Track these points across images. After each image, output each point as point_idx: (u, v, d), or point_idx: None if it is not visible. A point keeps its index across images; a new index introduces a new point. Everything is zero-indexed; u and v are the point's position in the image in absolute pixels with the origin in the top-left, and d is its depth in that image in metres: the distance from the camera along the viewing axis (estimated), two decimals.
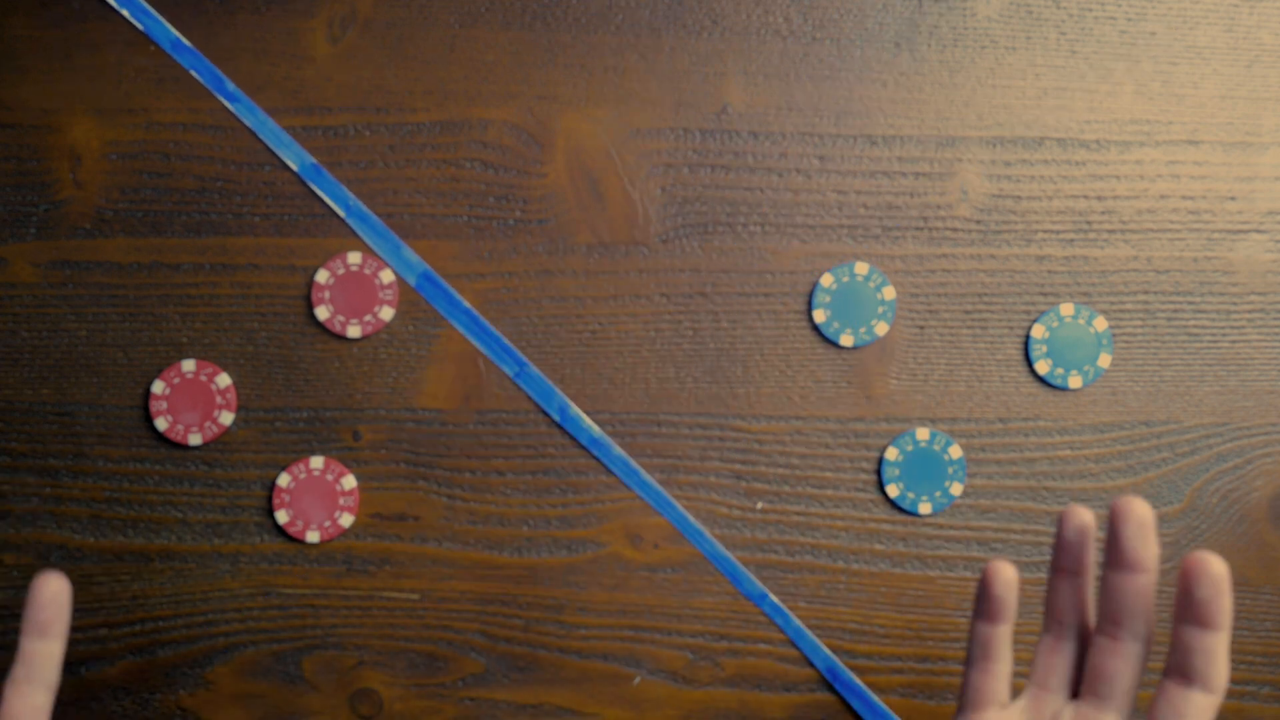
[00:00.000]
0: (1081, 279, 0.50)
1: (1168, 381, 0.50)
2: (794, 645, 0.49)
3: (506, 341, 0.49)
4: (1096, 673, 0.35)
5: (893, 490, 0.49)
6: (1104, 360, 0.49)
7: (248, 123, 0.49)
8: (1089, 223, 0.50)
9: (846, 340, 0.49)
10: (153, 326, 0.49)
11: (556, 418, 0.49)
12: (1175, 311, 0.50)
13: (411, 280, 0.49)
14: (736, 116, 0.50)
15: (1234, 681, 0.49)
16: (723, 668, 0.49)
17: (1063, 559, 0.36)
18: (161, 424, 0.49)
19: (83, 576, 0.49)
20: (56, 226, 0.49)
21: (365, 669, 0.49)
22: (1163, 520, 0.49)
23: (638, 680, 0.49)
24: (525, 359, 0.49)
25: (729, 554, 0.49)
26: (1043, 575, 0.49)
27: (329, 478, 0.49)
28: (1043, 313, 0.49)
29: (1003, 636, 0.37)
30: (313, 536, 0.49)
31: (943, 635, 0.49)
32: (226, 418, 0.49)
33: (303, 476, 0.49)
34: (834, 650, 0.49)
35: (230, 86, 0.49)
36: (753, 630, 0.49)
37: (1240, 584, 0.49)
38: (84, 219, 0.49)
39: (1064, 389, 0.49)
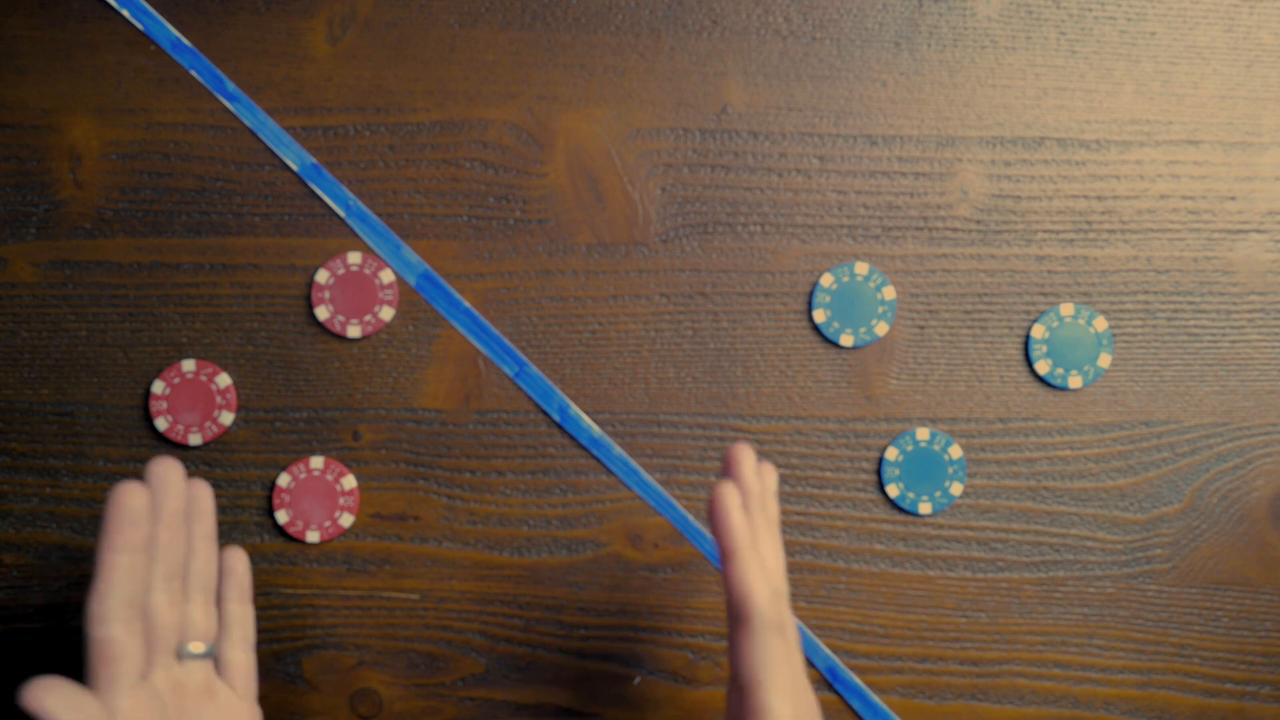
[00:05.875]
0: (1081, 279, 0.50)
1: (1168, 381, 0.50)
2: None
3: (506, 341, 0.49)
4: None
5: (893, 490, 0.49)
6: (1104, 360, 0.49)
7: (248, 123, 0.49)
8: (1089, 223, 0.50)
9: (846, 340, 0.49)
10: (153, 326, 0.49)
11: (556, 418, 0.49)
12: (1175, 311, 0.50)
13: (411, 280, 0.49)
14: (736, 116, 0.50)
15: (1234, 681, 0.49)
16: (722, 668, 0.49)
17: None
18: (161, 424, 0.49)
19: (83, 577, 0.49)
20: (56, 226, 0.49)
21: (365, 669, 0.49)
22: (1162, 520, 0.49)
23: (638, 680, 0.49)
24: (525, 359, 0.49)
25: None
26: (1043, 575, 0.49)
27: (329, 478, 0.49)
28: (1043, 313, 0.49)
29: None
30: (313, 536, 0.49)
31: (943, 635, 0.49)
32: (226, 418, 0.49)
33: (303, 476, 0.49)
34: (834, 650, 0.49)
35: (230, 86, 0.49)
36: None
37: (1240, 584, 0.49)
38: (84, 219, 0.49)
39: (1064, 389, 0.49)
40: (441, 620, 0.49)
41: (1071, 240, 0.50)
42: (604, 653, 0.49)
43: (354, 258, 0.49)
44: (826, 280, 0.49)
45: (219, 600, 0.43)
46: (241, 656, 0.43)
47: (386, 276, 0.49)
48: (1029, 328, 0.49)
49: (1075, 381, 0.49)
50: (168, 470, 0.40)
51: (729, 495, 0.38)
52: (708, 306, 0.49)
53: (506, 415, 0.49)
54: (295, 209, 0.49)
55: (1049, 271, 0.50)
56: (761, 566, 0.38)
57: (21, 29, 0.49)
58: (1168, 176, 0.50)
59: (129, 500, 0.38)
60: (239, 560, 0.44)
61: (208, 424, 0.49)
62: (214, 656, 0.42)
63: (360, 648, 0.49)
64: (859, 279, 0.49)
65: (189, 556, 0.42)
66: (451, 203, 0.49)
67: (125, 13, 0.49)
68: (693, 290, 0.49)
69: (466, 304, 0.49)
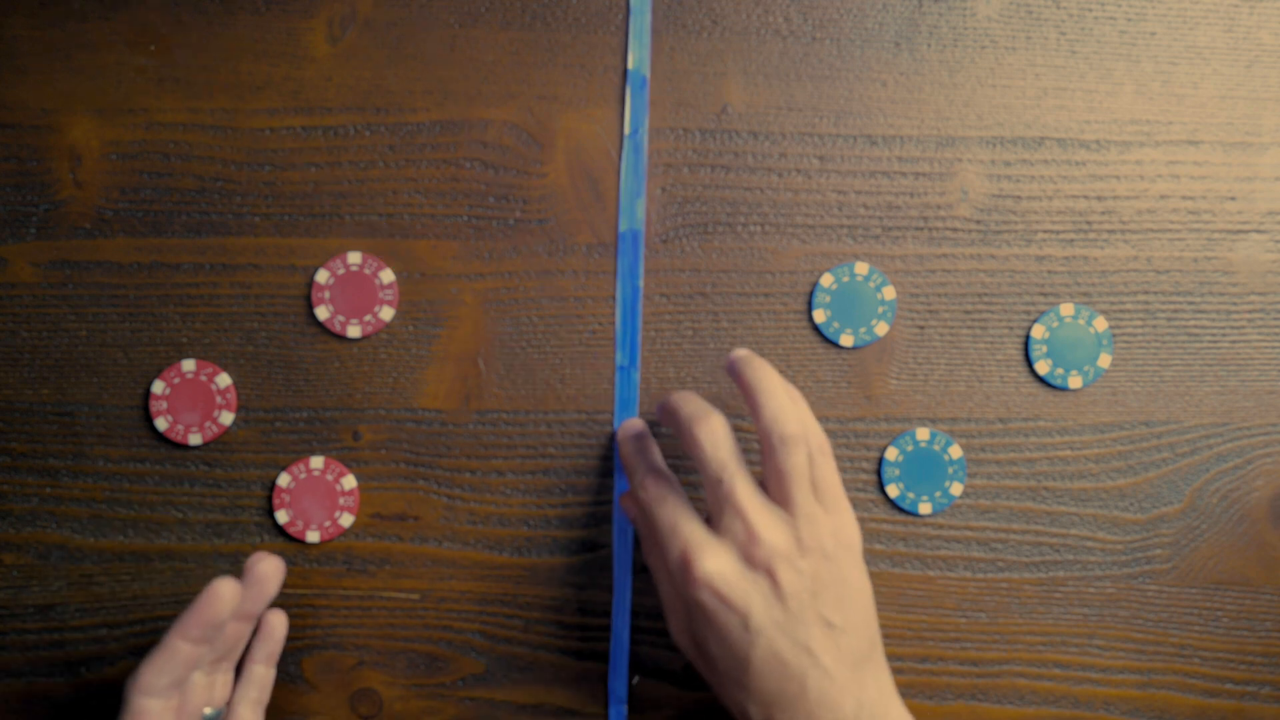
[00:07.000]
0: (1081, 279, 0.50)
1: (1168, 381, 0.50)
2: None
3: (639, 340, 0.49)
4: None
5: (893, 490, 0.49)
6: (1104, 360, 0.49)
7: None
8: (1089, 223, 0.50)
9: (846, 340, 0.49)
10: (153, 326, 0.49)
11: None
12: (1175, 311, 0.50)
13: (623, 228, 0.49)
14: (736, 116, 0.50)
15: (1234, 681, 0.49)
16: None
17: None
18: (161, 424, 0.49)
19: (83, 576, 0.49)
20: (56, 226, 0.49)
21: (365, 669, 0.49)
22: (1162, 520, 0.49)
23: (636, 681, 0.49)
24: (636, 356, 0.49)
25: None
26: (1043, 575, 0.49)
27: (329, 478, 0.49)
28: (1043, 313, 0.49)
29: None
30: (313, 536, 0.49)
31: (943, 635, 0.49)
32: (226, 418, 0.49)
33: (303, 476, 0.49)
34: None
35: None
36: None
37: (1240, 584, 0.49)
38: (84, 219, 0.49)
39: (1064, 389, 0.49)
40: (441, 620, 0.49)
41: (1071, 240, 0.50)
42: (604, 653, 0.49)
43: (354, 258, 0.49)
44: (826, 280, 0.49)
45: (244, 657, 0.45)
46: (250, 715, 0.44)
47: (386, 276, 0.49)
48: (1029, 328, 0.49)
49: (1075, 381, 0.49)
50: (268, 570, 0.42)
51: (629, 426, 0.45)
52: (708, 306, 0.49)
53: (506, 415, 0.49)
54: (295, 209, 0.49)
55: (1049, 271, 0.50)
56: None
57: (21, 29, 0.49)
58: (1168, 176, 0.50)
59: (219, 603, 0.40)
60: (280, 624, 0.46)
61: (208, 424, 0.49)
62: (221, 715, 0.44)
63: (360, 648, 0.49)
64: (859, 279, 0.49)
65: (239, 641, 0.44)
66: (451, 203, 0.49)
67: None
68: (693, 290, 0.49)
69: (639, 283, 0.49)
